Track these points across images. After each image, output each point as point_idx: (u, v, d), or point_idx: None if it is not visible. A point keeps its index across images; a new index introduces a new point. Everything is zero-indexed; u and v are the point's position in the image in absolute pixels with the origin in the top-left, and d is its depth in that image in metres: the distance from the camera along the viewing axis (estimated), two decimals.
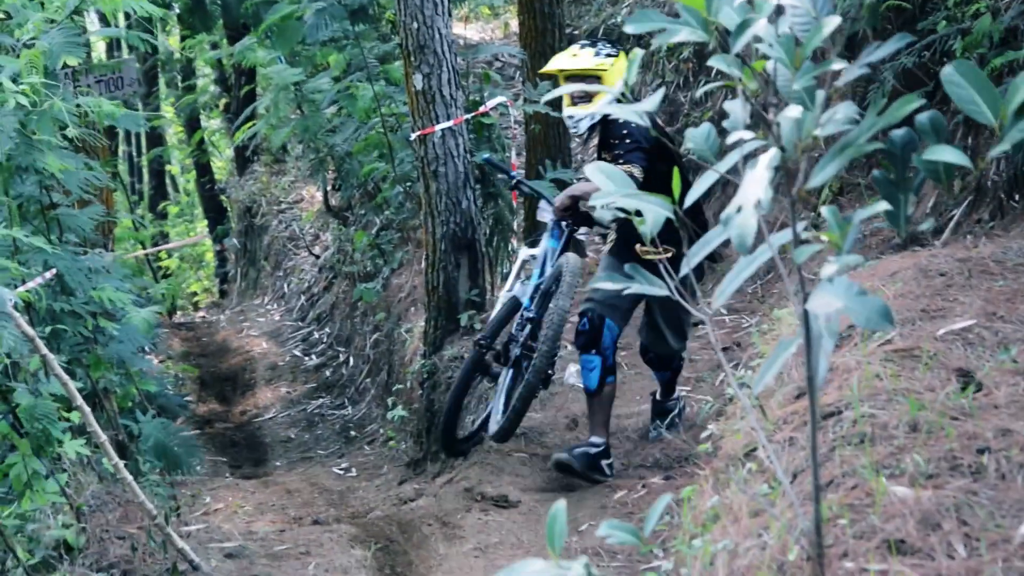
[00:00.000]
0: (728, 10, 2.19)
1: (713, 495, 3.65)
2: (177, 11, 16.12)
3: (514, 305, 6.71)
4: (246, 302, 16.18)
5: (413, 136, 7.94)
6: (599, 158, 6.15)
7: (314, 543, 5.95)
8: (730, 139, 2.23)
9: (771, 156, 2.11)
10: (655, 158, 5.90)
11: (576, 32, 12.31)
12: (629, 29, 2.26)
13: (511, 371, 6.62)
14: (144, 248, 19.12)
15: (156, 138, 23.00)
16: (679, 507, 3.98)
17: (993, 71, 5.85)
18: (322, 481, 8.72)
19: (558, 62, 6.33)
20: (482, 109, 8.67)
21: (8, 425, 5.09)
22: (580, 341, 6.07)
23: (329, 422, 10.91)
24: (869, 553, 2.61)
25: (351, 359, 11.71)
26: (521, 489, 6.20)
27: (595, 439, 6.10)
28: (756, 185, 2.04)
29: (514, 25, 13.57)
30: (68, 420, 5.15)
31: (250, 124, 13.67)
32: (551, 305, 6.17)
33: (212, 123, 22.60)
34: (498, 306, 6.93)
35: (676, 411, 6.59)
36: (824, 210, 2.13)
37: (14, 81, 5.50)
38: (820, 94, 2.14)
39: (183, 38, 18.85)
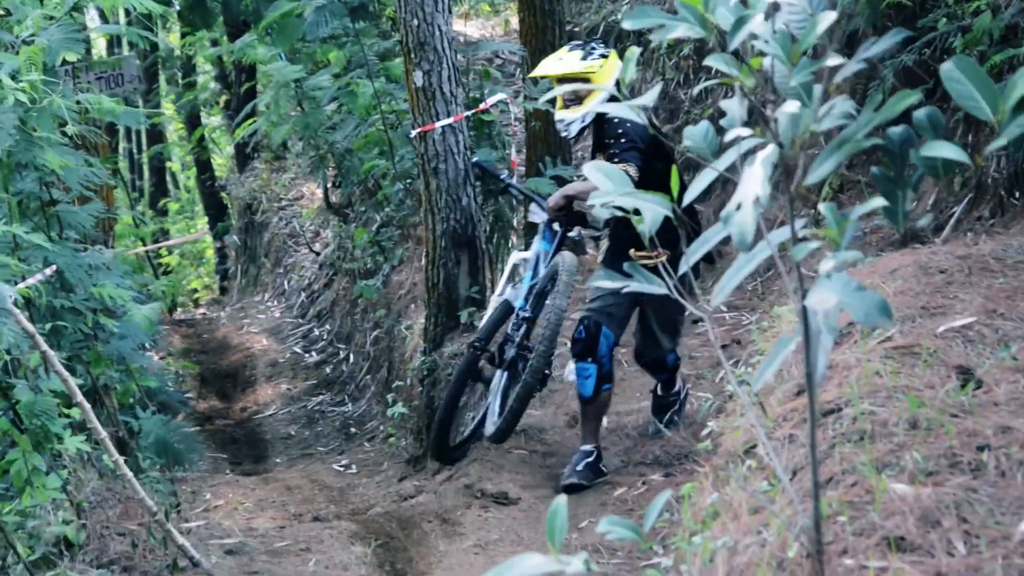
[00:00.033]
0: (723, 10, 2.19)
1: (713, 492, 3.65)
2: (177, 8, 16.11)
3: (506, 309, 6.68)
4: (246, 299, 16.19)
5: (413, 133, 7.94)
6: (593, 159, 6.14)
7: (314, 540, 5.95)
8: (728, 136, 2.23)
9: (769, 152, 2.11)
10: (651, 157, 5.85)
11: (576, 29, 12.30)
12: (627, 25, 2.26)
13: (506, 373, 6.58)
14: (144, 245, 19.11)
15: (157, 135, 23.00)
16: (679, 504, 3.99)
17: (993, 68, 5.85)
18: (322, 478, 8.72)
19: (544, 67, 6.30)
20: (482, 106, 8.67)
21: (8, 421, 5.09)
22: (576, 349, 6.04)
23: (329, 419, 10.92)
24: (869, 550, 2.61)
25: (351, 356, 11.71)
26: (521, 486, 6.21)
27: (586, 447, 6.11)
28: (755, 182, 2.05)
29: (514, 22, 13.56)
30: (68, 416, 5.15)
31: (250, 121, 13.67)
32: (548, 303, 6.15)
33: (212, 120, 22.60)
34: (489, 311, 6.89)
35: (676, 406, 6.54)
36: (822, 207, 2.14)
37: (13, 78, 5.50)
38: (817, 89, 2.14)
39: (183, 35, 18.84)
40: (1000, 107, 2.03)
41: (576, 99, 6.06)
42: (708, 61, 2.26)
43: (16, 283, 5.17)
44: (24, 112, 5.62)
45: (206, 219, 21.35)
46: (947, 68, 2.08)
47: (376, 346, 10.90)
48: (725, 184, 8.80)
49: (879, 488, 2.81)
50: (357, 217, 12.43)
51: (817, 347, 2.13)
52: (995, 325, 3.76)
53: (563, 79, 6.09)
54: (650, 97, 2.41)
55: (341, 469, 9.03)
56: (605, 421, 6.85)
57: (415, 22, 7.70)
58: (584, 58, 6.09)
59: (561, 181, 8.61)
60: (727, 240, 2.14)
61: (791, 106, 2.12)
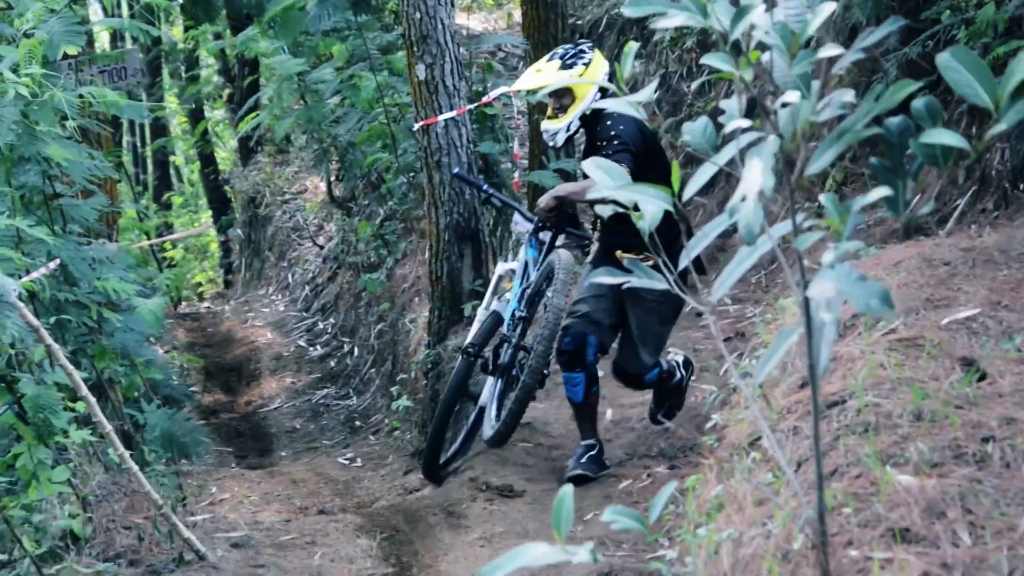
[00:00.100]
0: (723, 3, 2.19)
1: (717, 484, 3.66)
2: (180, 1, 16.11)
3: (496, 320, 6.57)
4: (250, 292, 16.20)
5: (416, 126, 7.93)
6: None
7: (320, 533, 5.96)
8: (727, 128, 2.23)
9: (770, 143, 2.11)
10: (644, 163, 5.72)
11: (579, 23, 12.29)
12: (628, 12, 2.26)
13: (500, 378, 6.48)
14: (149, 239, 19.12)
15: (160, 129, 22.99)
16: (684, 496, 3.99)
17: (996, 59, 5.84)
18: (327, 471, 8.74)
19: (524, 80, 6.23)
20: (485, 99, 8.67)
21: (14, 415, 5.10)
22: (563, 359, 6.00)
23: (334, 412, 10.93)
24: (874, 541, 2.61)
25: (356, 349, 11.72)
26: (526, 479, 6.21)
27: (587, 441, 6.13)
28: (757, 173, 2.05)
29: (517, 15, 13.55)
30: (73, 410, 5.16)
31: (254, 115, 13.67)
32: (547, 302, 6.06)
33: (216, 113, 22.58)
34: (476, 324, 6.75)
35: (676, 396, 6.41)
36: (823, 197, 2.14)
37: (14, 71, 5.49)
38: (816, 84, 2.15)
39: (186, 28, 18.82)
40: (999, 93, 2.03)
41: (562, 108, 6.01)
42: (706, 60, 2.25)
43: (20, 277, 5.18)
44: (25, 105, 5.62)
45: (210, 213, 21.35)
46: (944, 58, 2.09)
47: (380, 339, 10.90)
48: (728, 179, 8.79)
49: (884, 480, 2.81)
50: (360, 211, 12.43)
51: (820, 339, 2.13)
52: (999, 317, 3.76)
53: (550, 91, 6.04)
54: (647, 93, 2.41)
55: (346, 462, 9.04)
56: (609, 413, 6.86)
57: (417, 15, 7.70)
58: (563, 67, 5.97)
59: (564, 174, 8.62)
60: (725, 236, 2.15)
61: (791, 96, 2.12)
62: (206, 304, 18.34)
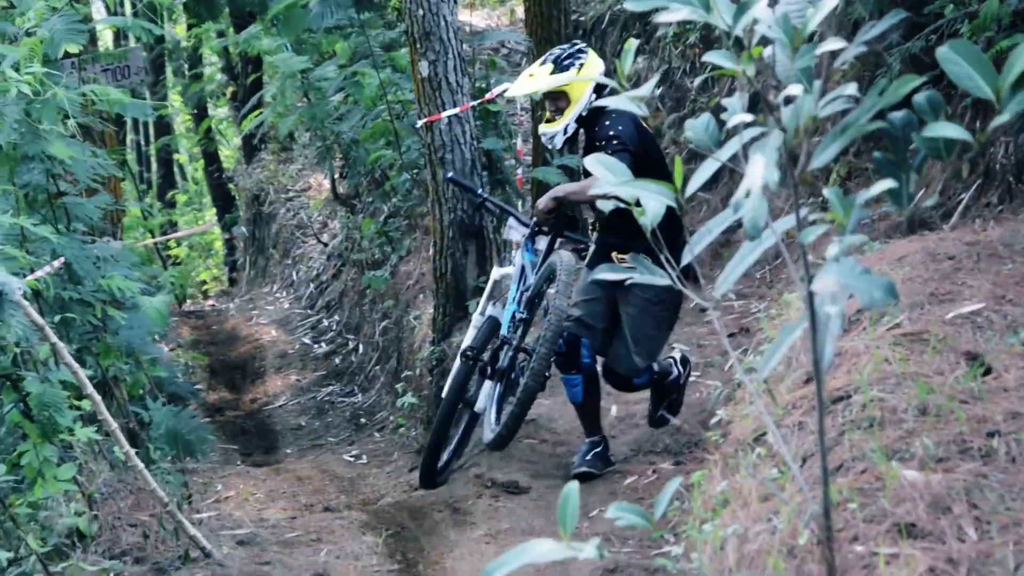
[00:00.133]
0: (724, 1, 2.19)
1: (723, 480, 3.66)
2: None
3: (493, 325, 6.50)
4: (255, 290, 16.21)
5: (419, 123, 7.93)
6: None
7: (325, 530, 5.97)
8: (730, 124, 2.23)
9: (774, 138, 2.11)
10: (641, 161, 5.70)
11: (583, 19, 12.28)
12: (630, 7, 2.25)
13: (499, 381, 6.44)
14: (153, 237, 19.14)
15: (164, 127, 23.00)
16: (689, 492, 3.99)
17: (1000, 53, 5.83)
18: (333, 468, 8.74)
19: (518, 86, 6.20)
20: (488, 96, 8.66)
21: (19, 413, 5.10)
22: (558, 361, 6.00)
23: (339, 409, 10.93)
24: (879, 537, 2.61)
25: (360, 347, 11.72)
26: (531, 475, 6.22)
27: (592, 439, 6.14)
28: (762, 168, 2.05)
29: (520, 12, 13.53)
30: (79, 408, 5.17)
31: (257, 112, 13.68)
32: (549, 304, 6.01)
33: (219, 111, 22.60)
34: (471, 330, 6.67)
35: (675, 394, 6.35)
36: (827, 191, 2.14)
37: (16, 69, 5.50)
38: (818, 84, 2.15)
39: (189, 26, 18.84)
40: (999, 85, 2.04)
41: (559, 111, 6.00)
42: (708, 57, 2.25)
43: (24, 275, 5.19)
44: (27, 104, 5.62)
45: (214, 210, 21.38)
46: (944, 51, 2.09)
47: (385, 336, 10.91)
48: (732, 175, 8.79)
49: (889, 475, 2.81)
50: (364, 208, 12.43)
51: (824, 333, 2.13)
52: (1004, 311, 3.76)
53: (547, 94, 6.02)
54: (647, 88, 2.40)
55: (351, 459, 9.05)
56: (614, 410, 6.86)
57: (420, 12, 7.70)
58: (555, 71, 5.94)
59: (568, 170, 8.61)
60: (729, 232, 2.15)
61: (795, 89, 2.12)
62: (211, 302, 18.35)
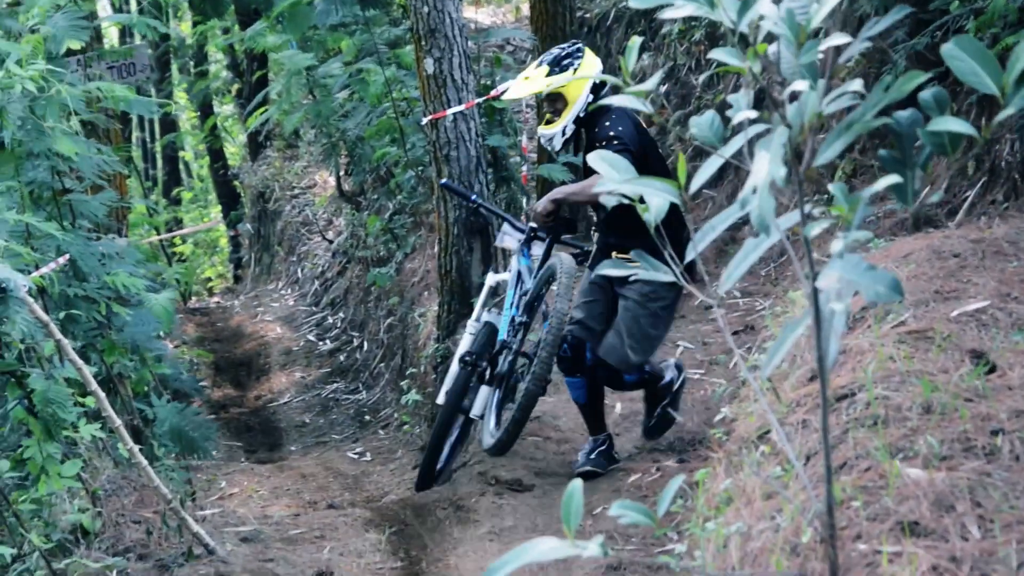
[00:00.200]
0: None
1: (726, 478, 3.66)
2: None
3: (491, 331, 6.43)
4: (260, 287, 16.22)
5: (425, 120, 7.93)
6: (584, 164, 6.02)
7: (329, 527, 5.97)
8: (735, 120, 2.22)
9: (779, 134, 2.11)
10: (641, 161, 5.64)
11: (587, 16, 12.27)
12: (635, 4, 2.25)
13: (498, 386, 6.39)
14: (158, 233, 19.17)
15: (169, 124, 23.05)
16: (693, 490, 3.99)
17: (1006, 49, 5.82)
18: (337, 465, 8.75)
19: (514, 89, 6.17)
20: (493, 93, 8.66)
21: (24, 410, 5.11)
22: (563, 366, 6.00)
23: (343, 407, 10.94)
24: (883, 535, 2.61)
25: (365, 344, 11.73)
26: (535, 473, 6.21)
27: (597, 437, 6.13)
28: (767, 164, 2.04)
29: (525, 9, 13.54)
30: (83, 405, 5.17)
31: (262, 110, 13.69)
32: (551, 307, 5.97)
33: (225, 109, 22.63)
34: (468, 336, 6.57)
35: (668, 399, 6.15)
36: (832, 187, 2.13)
37: (19, 65, 5.50)
38: (822, 83, 2.14)
39: (195, 24, 18.86)
40: (1004, 80, 2.03)
41: (557, 113, 5.98)
42: (713, 55, 2.25)
43: (29, 272, 5.19)
44: (31, 101, 5.63)
45: (219, 208, 21.40)
46: (948, 48, 2.09)
47: (390, 334, 10.91)
48: (737, 171, 8.78)
49: (893, 473, 2.80)
50: (370, 205, 12.43)
51: (828, 331, 2.12)
52: (1009, 309, 3.75)
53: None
54: (650, 84, 2.40)
55: (355, 457, 9.05)
56: (619, 407, 6.86)
57: (425, 9, 7.69)
58: (551, 73, 5.92)
59: (573, 168, 8.60)
60: (734, 229, 2.14)
61: (800, 85, 2.11)
62: (215, 299, 18.38)
